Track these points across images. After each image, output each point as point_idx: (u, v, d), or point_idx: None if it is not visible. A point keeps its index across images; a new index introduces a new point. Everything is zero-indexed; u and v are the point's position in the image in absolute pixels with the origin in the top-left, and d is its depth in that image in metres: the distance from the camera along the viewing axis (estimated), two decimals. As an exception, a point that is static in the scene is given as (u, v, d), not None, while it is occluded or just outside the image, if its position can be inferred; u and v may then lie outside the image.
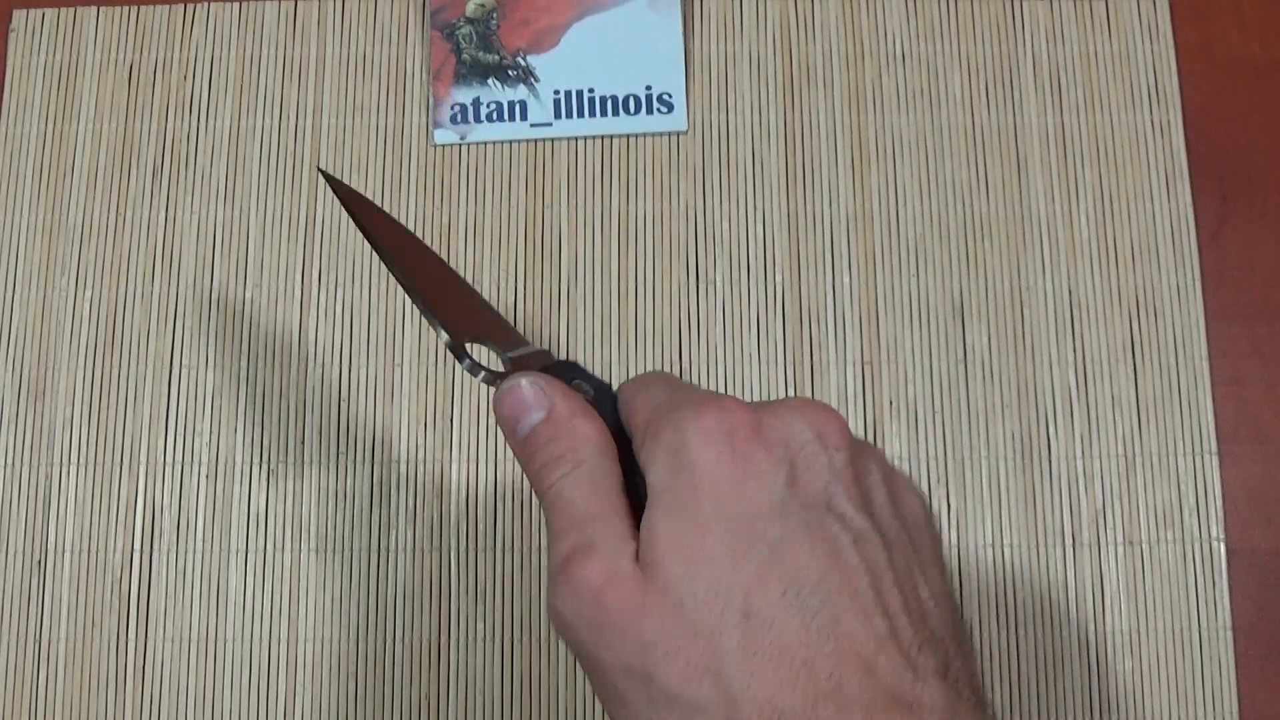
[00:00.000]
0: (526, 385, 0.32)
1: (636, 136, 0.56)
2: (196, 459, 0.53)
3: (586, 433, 0.31)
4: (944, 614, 0.29)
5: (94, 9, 0.59)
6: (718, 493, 0.28)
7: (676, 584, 0.27)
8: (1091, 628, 0.51)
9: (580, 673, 0.50)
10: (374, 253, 0.37)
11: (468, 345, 0.34)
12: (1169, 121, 0.56)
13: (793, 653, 0.26)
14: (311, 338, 0.54)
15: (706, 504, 0.28)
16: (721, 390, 0.53)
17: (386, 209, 0.56)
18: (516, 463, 0.32)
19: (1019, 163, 0.56)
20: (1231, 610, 0.51)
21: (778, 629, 0.26)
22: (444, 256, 0.55)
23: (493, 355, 0.35)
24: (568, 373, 0.33)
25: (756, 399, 0.53)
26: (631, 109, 0.57)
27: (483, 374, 0.33)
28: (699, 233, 0.55)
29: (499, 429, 0.34)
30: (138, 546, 0.52)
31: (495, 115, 0.57)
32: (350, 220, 0.39)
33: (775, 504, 0.28)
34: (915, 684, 0.26)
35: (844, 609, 0.27)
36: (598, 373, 0.53)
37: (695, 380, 0.54)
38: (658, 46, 0.57)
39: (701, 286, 0.55)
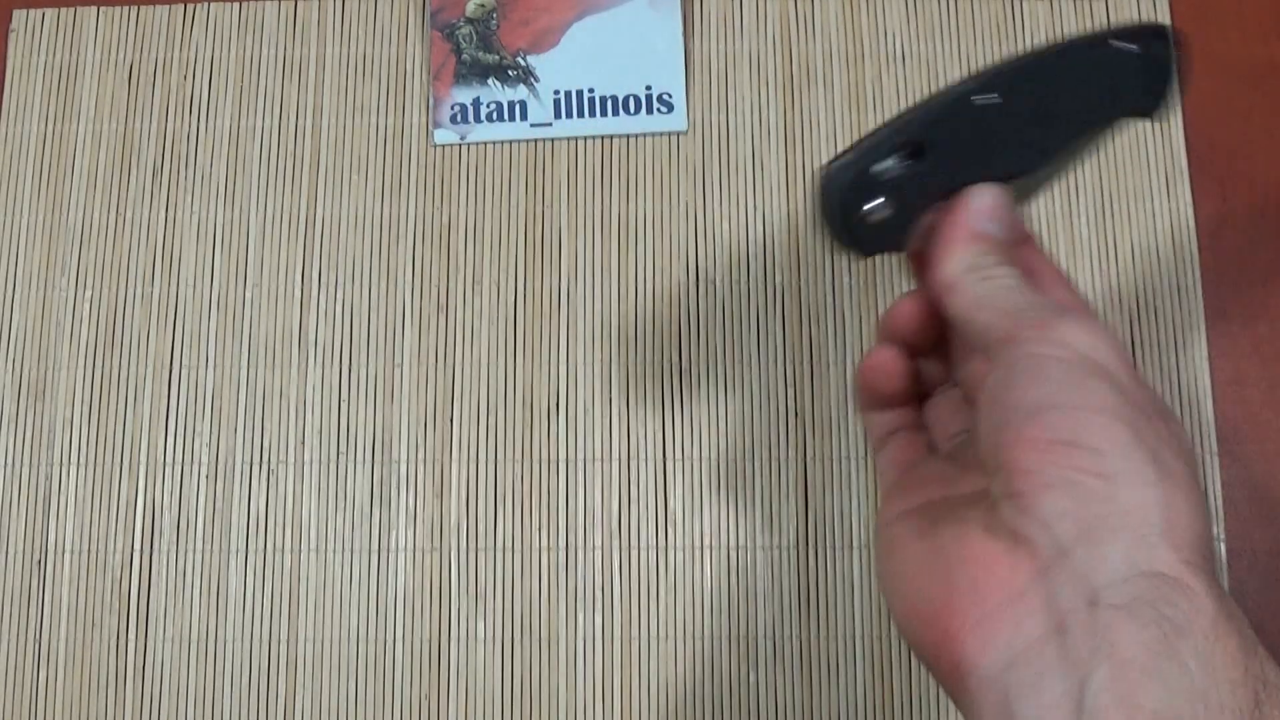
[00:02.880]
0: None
1: (636, 136, 0.56)
2: (196, 459, 0.53)
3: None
4: None
5: (94, 9, 0.59)
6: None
7: None
8: (1091, 628, 0.50)
9: (578, 673, 0.50)
10: None
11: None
12: (1169, 121, 0.56)
13: None
14: (311, 338, 0.54)
15: None
16: (721, 390, 0.53)
17: (386, 209, 0.56)
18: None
19: (1019, 163, 0.56)
20: (1231, 610, 0.51)
21: None
22: (444, 257, 0.55)
23: None
24: None
25: (755, 398, 0.53)
26: (631, 109, 0.57)
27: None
28: (699, 233, 0.55)
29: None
30: (138, 546, 0.52)
31: (495, 115, 0.57)
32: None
33: None
34: None
35: None
36: (595, 373, 0.54)
37: (694, 380, 0.54)
38: (658, 46, 0.57)
39: (701, 286, 0.55)
